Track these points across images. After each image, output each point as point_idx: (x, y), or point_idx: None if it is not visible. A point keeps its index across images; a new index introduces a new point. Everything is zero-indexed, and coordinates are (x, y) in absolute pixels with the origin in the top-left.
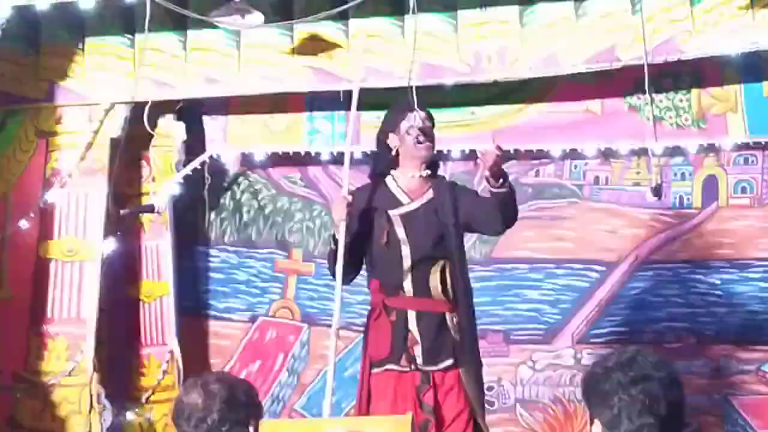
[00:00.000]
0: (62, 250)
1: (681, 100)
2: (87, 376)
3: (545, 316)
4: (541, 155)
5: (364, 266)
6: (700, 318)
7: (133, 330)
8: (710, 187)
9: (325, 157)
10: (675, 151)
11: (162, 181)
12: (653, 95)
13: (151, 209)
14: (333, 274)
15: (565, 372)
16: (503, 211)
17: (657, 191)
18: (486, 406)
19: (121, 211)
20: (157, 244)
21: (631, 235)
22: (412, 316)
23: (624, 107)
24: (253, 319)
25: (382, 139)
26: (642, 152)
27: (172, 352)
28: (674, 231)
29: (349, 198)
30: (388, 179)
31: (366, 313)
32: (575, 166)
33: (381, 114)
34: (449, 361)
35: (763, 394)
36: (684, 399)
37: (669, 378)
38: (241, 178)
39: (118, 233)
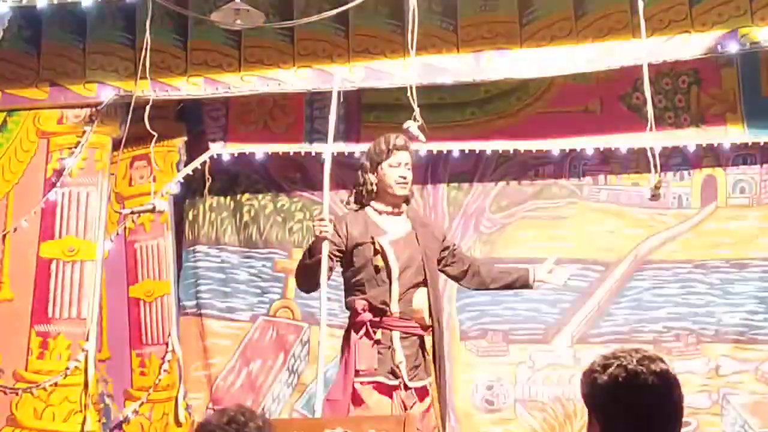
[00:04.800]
0: (63, 250)
1: (680, 100)
2: (87, 376)
3: (545, 315)
4: (541, 155)
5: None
6: (698, 317)
7: (133, 329)
8: (709, 187)
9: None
10: (674, 151)
11: (162, 181)
12: (652, 95)
13: (151, 209)
14: (300, 286)
15: (564, 371)
16: (499, 288)
17: (656, 191)
18: (486, 405)
19: (122, 211)
20: (158, 244)
21: (630, 235)
22: (396, 336)
23: (623, 107)
24: (253, 319)
25: (362, 174)
26: (641, 152)
27: (172, 352)
28: (673, 231)
29: (331, 217)
30: (368, 210)
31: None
32: (575, 166)
33: (381, 114)
34: (428, 380)
35: (761, 393)
36: (682, 398)
37: (667, 377)
38: (241, 178)
39: (118, 233)
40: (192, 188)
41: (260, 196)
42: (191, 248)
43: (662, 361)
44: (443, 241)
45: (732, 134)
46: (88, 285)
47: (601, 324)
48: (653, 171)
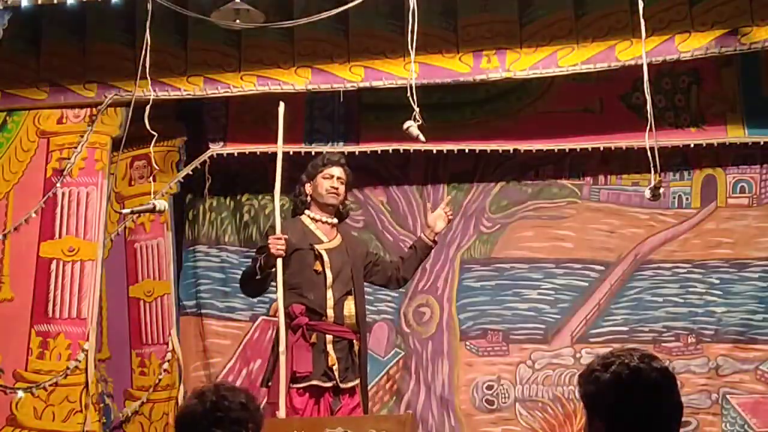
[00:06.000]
0: (63, 249)
1: (680, 100)
2: (87, 376)
3: (544, 315)
4: (540, 155)
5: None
6: (698, 317)
7: (133, 329)
8: (709, 187)
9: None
10: (674, 151)
11: (162, 180)
12: (652, 95)
13: (151, 209)
14: (247, 293)
15: (564, 371)
16: (415, 269)
17: (656, 191)
18: (486, 405)
19: (122, 211)
20: (158, 244)
21: (630, 235)
22: (329, 339)
23: (623, 107)
24: (253, 319)
25: (299, 186)
26: (641, 152)
27: (172, 351)
28: (673, 230)
29: (285, 236)
30: (304, 218)
31: None
32: (575, 166)
33: (381, 114)
34: (356, 381)
35: (761, 393)
36: (680, 397)
37: (668, 374)
38: (241, 178)
39: (118, 233)
40: (192, 188)
41: (260, 196)
42: (191, 248)
43: (659, 359)
44: (366, 255)
45: (732, 134)
46: (88, 285)
47: (601, 324)
48: (653, 171)
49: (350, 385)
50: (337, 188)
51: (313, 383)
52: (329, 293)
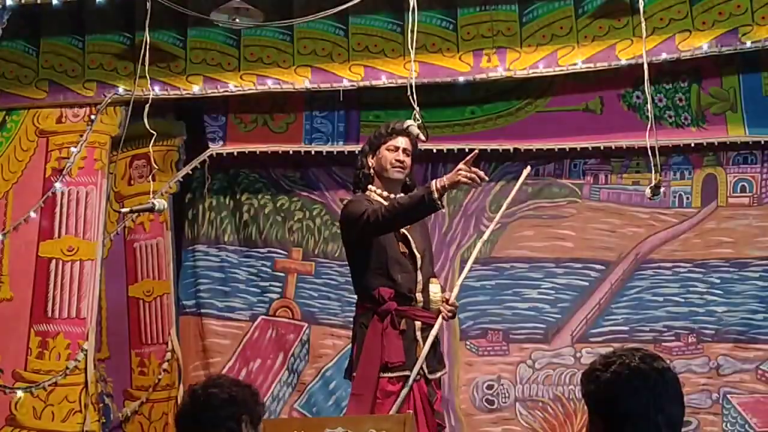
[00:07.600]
0: (62, 249)
1: (680, 99)
2: (87, 376)
3: (545, 315)
4: (540, 155)
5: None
6: (699, 317)
7: (133, 329)
8: (709, 186)
9: (324, 156)
10: (674, 150)
11: (162, 180)
12: (652, 94)
13: (151, 209)
14: (388, 226)
15: (564, 371)
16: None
17: (656, 190)
18: (486, 405)
19: (122, 211)
20: (157, 243)
21: (631, 234)
22: (418, 326)
23: (623, 106)
24: (253, 318)
25: (362, 157)
26: (641, 151)
27: (172, 351)
28: (673, 230)
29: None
30: (371, 194)
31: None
32: (575, 166)
33: (381, 113)
34: (444, 371)
35: (762, 393)
36: (683, 397)
37: (668, 376)
38: (240, 178)
39: (118, 232)
40: (191, 187)
41: (260, 196)
42: (191, 247)
43: (662, 359)
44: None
45: (732, 133)
46: (88, 284)
47: (601, 323)
48: (654, 170)
49: (437, 375)
50: (402, 161)
51: (405, 373)
52: (418, 276)
